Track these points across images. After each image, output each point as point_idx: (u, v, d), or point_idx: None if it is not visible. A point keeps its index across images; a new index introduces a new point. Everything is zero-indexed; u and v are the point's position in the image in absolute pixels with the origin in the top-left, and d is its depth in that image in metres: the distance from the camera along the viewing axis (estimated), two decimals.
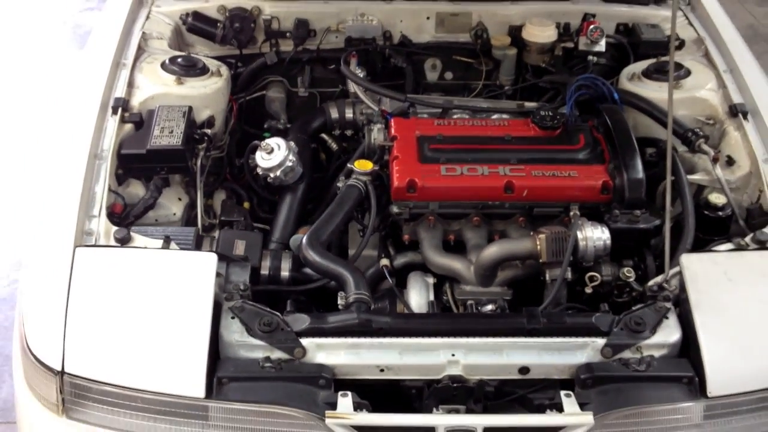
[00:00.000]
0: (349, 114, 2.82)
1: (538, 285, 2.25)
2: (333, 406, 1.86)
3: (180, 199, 2.49)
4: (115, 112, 2.45)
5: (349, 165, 2.45)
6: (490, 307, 2.19)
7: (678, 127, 2.53)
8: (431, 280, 2.32)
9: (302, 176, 2.52)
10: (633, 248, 2.30)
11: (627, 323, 1.99)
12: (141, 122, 2.47)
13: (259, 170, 2.46)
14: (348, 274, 2.12)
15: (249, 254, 2.22)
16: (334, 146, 2.90)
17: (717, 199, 2.33)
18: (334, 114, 2.83)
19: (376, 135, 2.59)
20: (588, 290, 2.21)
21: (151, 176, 2.42)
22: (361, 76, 2.84)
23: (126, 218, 2.30)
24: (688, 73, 2.71)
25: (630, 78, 2.76)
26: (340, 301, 2.07)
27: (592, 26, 2.87)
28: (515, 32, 3.00)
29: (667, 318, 2.01)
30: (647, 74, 2.74)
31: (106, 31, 2.77)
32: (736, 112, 2.54)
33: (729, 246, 2.17)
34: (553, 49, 2.96)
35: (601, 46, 2.89)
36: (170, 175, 2.47)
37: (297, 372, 1.91)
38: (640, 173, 2.31)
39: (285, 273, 2.26)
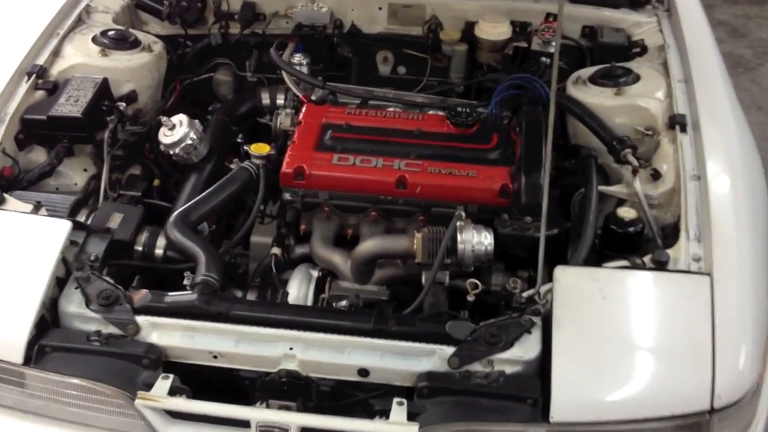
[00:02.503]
0: (280, 100, 2.74)
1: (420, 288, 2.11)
2: (150, 387, 1.78)
3: (86, 170, 2.46)
4: (29, 77, 2.44)
5: (244, 147, 2.37)
6: (344, 303, 2.06)
7: (606, 135, 2.34)
8: (316, 274, 2.22)
9: (209, 156, 2.44)
10: (528, 258, 2.13)
11: (482, 334, 1.83)
12: (54, 90, 2.46)
13: (161, 147, 2.41)
14: (202, 255, 2.04)
15: (123, 228, 2.15)
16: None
17: (626, 213, 2.10)
18: (266, 99, 2.76)
19: (282, 119, 2.51)
20: (470, 298, 2.05)
21: (54, 144, 2.40)
22: (304, 63, 2.76)
23: (18, 183, 2.28)
24: (637, 79, 2.50)
25: (575, 82, 2.57)
26: (186, 282, 1.99)
27: (543, 26, 2.70)
28: (468, 28, 2.85)
29: (529, 333, 1.84)
30: (593, 79, 2.54)
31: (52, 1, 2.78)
32: (673, 123, 2.32)
33: (623, 263, 1.98)
34: (504, 47, 2.80)
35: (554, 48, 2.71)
36: (78, 145, 2.44)
37: (121, 348, 1.84)
38: (540, 178, 2.14)
39: (159, 251, 2.18)
